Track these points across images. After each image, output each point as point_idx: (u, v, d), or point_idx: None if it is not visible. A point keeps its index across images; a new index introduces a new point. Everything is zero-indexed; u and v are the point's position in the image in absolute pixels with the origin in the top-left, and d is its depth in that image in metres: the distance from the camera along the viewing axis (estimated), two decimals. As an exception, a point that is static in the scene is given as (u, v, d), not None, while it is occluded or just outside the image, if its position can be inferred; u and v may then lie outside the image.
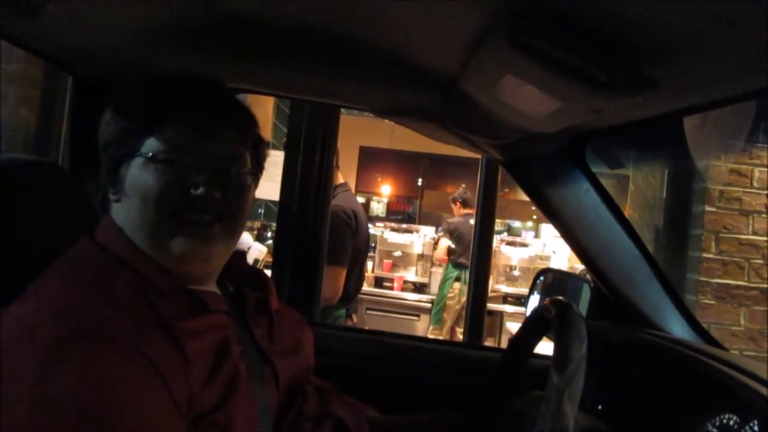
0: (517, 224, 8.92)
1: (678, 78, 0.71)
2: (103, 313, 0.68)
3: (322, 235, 2.02)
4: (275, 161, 2.53)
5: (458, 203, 5.43)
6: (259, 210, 5.02)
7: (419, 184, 8.90)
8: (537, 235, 7.58)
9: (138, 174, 0.79)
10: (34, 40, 0.99)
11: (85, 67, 1.16)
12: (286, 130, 2.22)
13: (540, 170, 1.26)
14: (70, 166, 1.24)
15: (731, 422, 0.90)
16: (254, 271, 1.00)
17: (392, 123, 1.40)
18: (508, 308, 5.02)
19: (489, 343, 4.69)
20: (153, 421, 0.65)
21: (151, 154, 0.78)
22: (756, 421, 0.85)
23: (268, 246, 4.14)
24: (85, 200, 1.04)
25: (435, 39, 0.84)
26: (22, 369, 0.61)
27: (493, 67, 0.82)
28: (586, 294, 1.43)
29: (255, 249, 3.20)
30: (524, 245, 5.66)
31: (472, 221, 4.22)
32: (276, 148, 4.96)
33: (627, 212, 3.49)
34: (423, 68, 0.96)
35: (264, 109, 4.36)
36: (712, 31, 0.58)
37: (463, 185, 6.01)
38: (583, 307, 1.41)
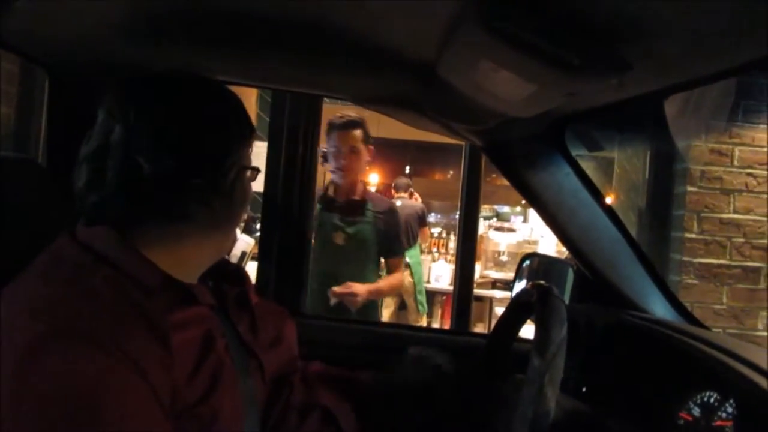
0: (505, 209, 8.96)
1: (651, 59, 0.72)
2: (82, 310, 0.68)
3: (307, 226, 2.03)
4: (259, 152, 2.51)
5: (392, 189, 5.65)
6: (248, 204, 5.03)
7: (407, 171, 8.90)
8: (525, 220, 7.62)
9: (245, 183, 0.89)
10: (6, 35, 0.97)
11: (60, 63, 1.14)
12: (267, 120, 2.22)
13: (520, 155, 1.27)
14: (48, 164, 1.23)
15: (712, 399, 0.91)
16: (232, 266, 1.00)
17: (377, 112, 1.41)
18: (498, 293, 5.05)
19: (479, 328, 4.73)
20: (135, 418, 0.65)
21: (253, 166, 0.90)
22: (733, 399, 0.86)
23: (256, 238, 4.12)
24: (62, 198, 1.03)
25: (412, 26, 0.83)
26: (1, 369, 0.61)
27: (469, 53, 0.82)
28: (570, 277, 1.44)
29: (242, 241, 3.18)
30: (512, 230, 5.70)
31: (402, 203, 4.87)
32: (260, 139, 4.93)
33: (613, 195, 3.51)
34: (401, 56, 0.96)
35: (247, 100, 4.33)
36: (682, 12, 0.58)
37: (451, 172, 6.04)
38: (567, 290, 1.42)
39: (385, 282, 2.45)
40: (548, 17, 0.66)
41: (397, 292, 2.58)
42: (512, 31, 0.69)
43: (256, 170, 0.92)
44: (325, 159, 2.40)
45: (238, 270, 1.00)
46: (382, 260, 2.50)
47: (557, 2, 0.64)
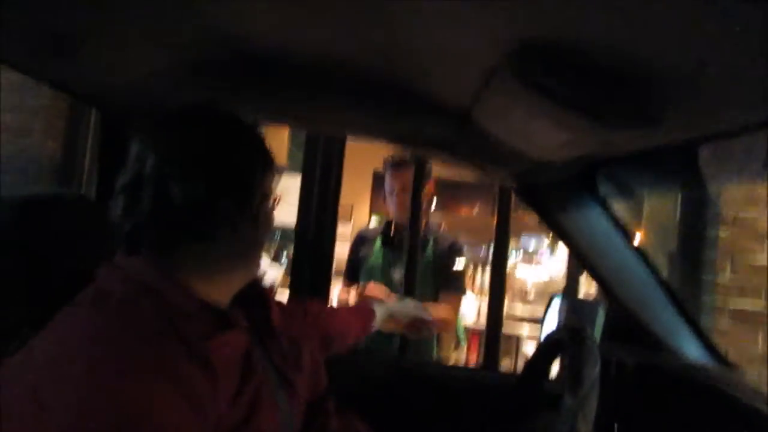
0: (532, 244, 8.85)
1: (682, 112, 0.74)
2: (131, 338, 0.71)
3: (331, 257, 2.09)
4: (290, 186, 2.57)
5: None
6: (276, 236, 5.08)
7: (433, 207, 8.89)
8: (553, 253, 7.49)
9: (268, 210, 0.94)
10: (66, 81, 1.04)
11: (112, 104, 1.21)
12: (300, 155, 2.27)
13: (552, 197, 1.29)
14: (97, 197, 1.29)
15: (744, 444, 0.91)
16: (255, 289, 1.01)
17: (404, 148, 1.43)
18: (524, 330, 4.99)
19: (505, 364, 4.66)
20: None
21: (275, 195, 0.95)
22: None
23: (283, 266, 4.17)
24: (107, 230, 1.08)
25: (449, 74, 0.87)
26: (60, 398, 0.64)
27: (504, 101, 0.86)
28: (600, 317, 1.45)
29: (272, 272, 3.23)
30: (539, 264, 5.64)
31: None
32: (292, 173, 5.02)
33: (642, 234, 3.47)
34: (437, 101, 0.99)
35: (280, 134, 4.43)
36: (709, 72, 0.61)
37: (477, 208, 6.01)
38: (597, 329, 1.43)
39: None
40: (582, 71, 0.70)
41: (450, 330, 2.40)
42: (548, 83, 0.73)
43: (278, 197, 0.97)
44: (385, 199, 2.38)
45: (262, 292, 1.03)
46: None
47: (590, 57, 0.67)
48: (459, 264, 2.31)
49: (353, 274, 2.40)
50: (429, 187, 2.29)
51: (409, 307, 1.62)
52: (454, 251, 2.34)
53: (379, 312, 1.52)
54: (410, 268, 2.00)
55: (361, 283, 2.23)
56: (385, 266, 2.30)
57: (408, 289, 1.98)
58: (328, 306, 1.54)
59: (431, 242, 2.32)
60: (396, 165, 2.27)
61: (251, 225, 0.89)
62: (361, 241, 2.47)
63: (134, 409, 0.65)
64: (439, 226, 5.22)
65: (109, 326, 0.72)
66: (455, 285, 2.30)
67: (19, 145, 2.59)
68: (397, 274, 2.22)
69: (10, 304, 0.79)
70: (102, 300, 0.77)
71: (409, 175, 2.21)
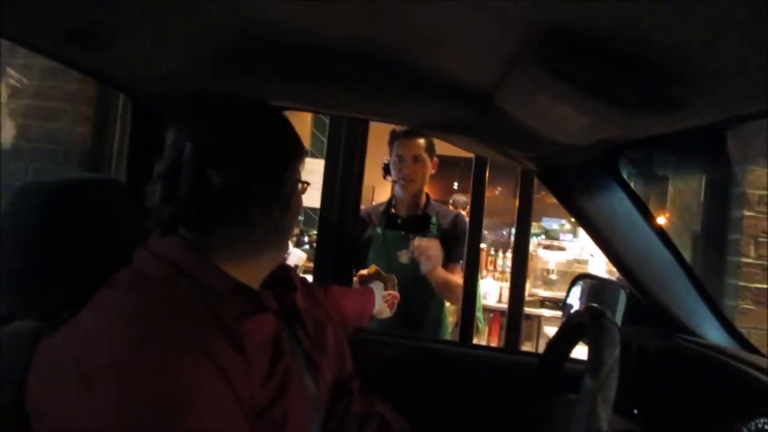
0: (554, 227, 8.81)
1: (703, 97, 0.74)
2: (170, 319, 0.74)
3: (353, 241, 2.11)
4: (313, 169, 2.60)
5: (450, 206, 5.61)
6: (300, 217, 5.12)
7: (455, 188, 8.88)
8: (576, 236, 7.45)
9: (298, 194, 0.99)
10: (99, 69, 1.06)
11: (143, 92, 1.24)
12: (324, 139, 2.28)
13: (574, 181, 1.29)
14: (128, 181, 1.32)
15: (766, 426, 0.92)
16: (281, 271, 1.04)
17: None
18: (546, 312, 4.99)
19: (527, 347, 4.68)
20: (220, 417, 0.70)
21: (304, 180, 1.00)
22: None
23: (305, 251, 4.21)
24: (139, 213, 1.11)
25: (471, 60, 0.87)
26: (102, 375, 0.66)
27: (527, 86, 0.86)
28: (622, 300, 1.45)
29: (294, 255, 3.26)
30: (561, 249, 5.62)
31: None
32: (314, 156, 5.05)
33: (666, 216, 3.44)
34: (459, 86, 0.99)
35: (303, 118, 4.45)
36: (729, 57, 0.61)
37: (499, 189, 5.98)
38: (619, 312, 1.43)
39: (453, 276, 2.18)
40: (604, 57, 0.70)
41: (456, 297, 2.25)
42: (570, 70, 0.73)
43: (306, 183, 1.01)
44: (387, 171, 2.29)
45: (288, 274, 1.07)
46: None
47: (612, 43, 0.67)
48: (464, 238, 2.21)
49: (357, 258, 2.24)
50: (433, 162, 2.26)
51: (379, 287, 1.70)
52: (459, 223, 2.29)
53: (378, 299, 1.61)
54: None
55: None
56: (388, 251, 2.21)
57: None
58: (342, 288, 1.59)
59: (433, 219, 2.26)
60: (408, 133, 2.20)
61: (282, 209, 0.93)
62: (363, 223, 2.35)
63: (174, 387, 0.68)
64: (465, 206, 5.16)
65: (147, 306, 0.75)
66: (459, 257, 2.21)
67: (47, 130, 2.65)
68: (404, 257, 2.18)
69: (50, 287, 0.82)
70: (140, 281, 0.80)
71: (422, 143, 2.18)
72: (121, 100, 2.67)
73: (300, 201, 1.00)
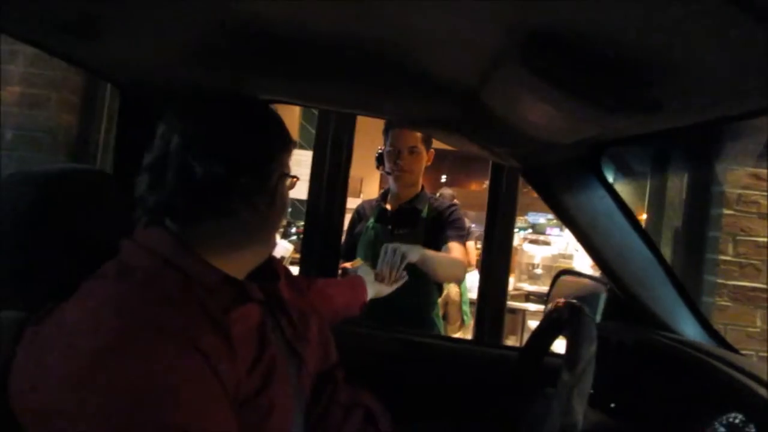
0: (541, 221, 8.86)
1: (679, 100, 0.76)
2: (158, 309, 0.75)
3: (341, 231, 2.12)
4: (301, 161, 2.59)
5: None
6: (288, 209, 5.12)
7: (443, 181, 8.89)
8: (562, 229, 7.48)
9: (284, 188, 0.98)
10: (90, 61, 1.06)
11: (133, 83, 1.24)
12: (313, 131, 2.28)
13: (556, 178, 1.31)
14: (115, 172, 1.32)
15: (737, 420, 0.94)
16: (267, 262, 1.05)
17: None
18: (531, 306, 5.03)
19: (511, 341, 4.71)
20: (207, 406, 0.71)
21: (292, 174, 0.99)
22: (755, 423, 0.90)
23: (292, 242, 4.21)
24: (126, 205, 1.11)
25: (457, 58, 0.88)
26: (86, 360, 0.67)
27: (510, 85, 0.87)
28: (603, 296, 1.48)
29: (281, 246, 3.27)
30: (547, 243, 5.65)
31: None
32: (303, 148, 5.05)
33: (644, 212, 3.46)
34: (445, 83, 1.01)
35: (292, 109, 4.45)
36: (712, 55, 0.62)
37: (487, 182, 5.99)
38: (599, 308, 1.46)
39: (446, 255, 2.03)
40: (585, 59, 0.71)
41: (458, 277, 2.22)
42: (552, 71, 0.75)
43: (295, 177, 1.01)
44: (381, 161, 2.22)
45: (273, 265, 1.08)
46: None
47: (593, 46, 0.69)
48: (459, 224, 2.16)
49: (349, 251, 2.23)
50: (429, 154, 2.20)
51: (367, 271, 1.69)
52: (451, 211, 2.19)
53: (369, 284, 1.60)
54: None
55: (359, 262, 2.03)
56: (375, 246, 2.09)
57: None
58: (329, 279, 1.60)
59: (426, 209, 2.19)
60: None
61: (269, 202, 0.93)
62: (359, 216, 2.32)
63: (161, 377, 0.68)
64: (452, 200, 5.12)
65: (134, 297, 0.76)
66: (452, 238, 2.10)
67: (33, 117, 2.63)
68: None
69: (36, 278, 0.83)
70: (127, 273, 0.80)
71: (417, 135, 2.10)
72: (108, 88, 2.65)
73: (286, 195, 1.00)
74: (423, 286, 2.07)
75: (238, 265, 0.94)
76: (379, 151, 2.24)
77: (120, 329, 0.70)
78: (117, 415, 0.65)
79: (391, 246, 1.73)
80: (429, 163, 2.22)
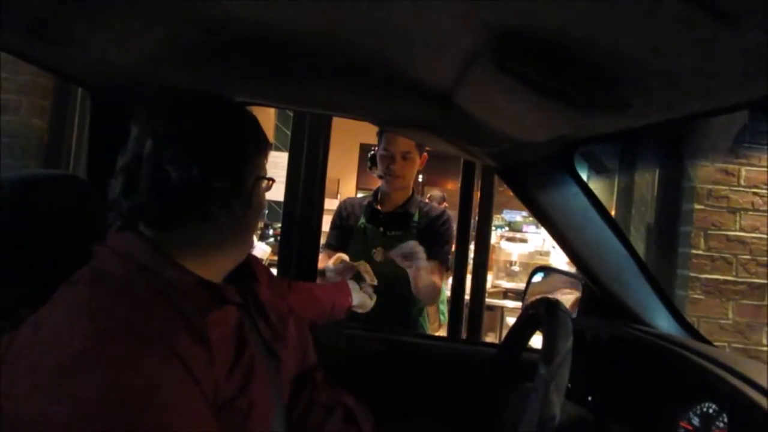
0: (517, 218, 8.94)
1: (648, 98, 0.77)
2: (132, 313, 0.74)
3: (319, 233, 2.12)
4: (277, 163, 2.58)
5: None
6: (265, 211, 5.08)
7: (420, 180, 8.92)
8: (538, 227, 7.56)
9: (261, 190, 0.98)
10: (56, 63, 1.05)
11: (104, 86, 1.22)
12: (288, 132, 2.26)
13: (531, 176, 1.32)
14: (88, 177, 1.31)
15: (710, 410, 0.96)
16: (245, 264, 1.05)
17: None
18: (509, 303, 5.07)
19: (490, 338, 4.75)
20: (184, 410, 0.71)
21: (268, 176, 0.99)
22: (727, 411, 0.92)
23: (270, 245, 4.19)
24: (99, 210, 1.10)
25: (430, 58, 0.89)
26: (61, 366, 0.66)
27: (483, 85, 0.88)
28: (578, 291, 1.50)
29: (259, 248, 3.25)
30: (524, 241, 5.71)
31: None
32: (278, 149, 5.02)
33: (615, 209, 3.51)
34: (419, 83, 1.01)
35: (267, 111, 4.42)
36: (680, 55, 0.64)
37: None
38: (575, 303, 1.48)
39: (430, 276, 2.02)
40: (556, 59, 0.73)
41: (433, 298, 2.19)
42: (523, 71, 0.76)
43: (271, 180, 1.01)
44: (373, 163, 2.22)
45: (251, 267, 1.07)
46: None
47: (564, 46, 0.70)
48: (447, 236, 2.18)
49: (338, 241, 2.24)
50: (422, 158, 2.21)
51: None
52: (443, 222, 2.21)
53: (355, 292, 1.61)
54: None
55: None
56: (366, 246, 2.16)
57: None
58: (311, 282, 1.60)
59: (417, 214, 2.22)
60: None
61: (245, 205, 0.93)
62: (350, 208, 2.32)
63: (137, 381, 0.68)
64: (441, 201, 5.06)
65: (109, 302, 0.75)
66: (438, 255, 2.12)
67: (4, 123, 2.57)
68: (379, 255, 2.14)
69: (8, 284, 0.82)
70: (101, 278, 0.80)
71: (410, 140, 2.09)
72: (79, 92, 2.61)
73: (263, 197, 1.00)
74: (403, 287, 2.07)
75: (214, 269, 0.93)
76: (372, 152, 2.25)
77: (95, 334, 0.70)
78: (96, 420, 0.64)
79: (416, 243, 1.85)
80: (421, 168, 2.24)
